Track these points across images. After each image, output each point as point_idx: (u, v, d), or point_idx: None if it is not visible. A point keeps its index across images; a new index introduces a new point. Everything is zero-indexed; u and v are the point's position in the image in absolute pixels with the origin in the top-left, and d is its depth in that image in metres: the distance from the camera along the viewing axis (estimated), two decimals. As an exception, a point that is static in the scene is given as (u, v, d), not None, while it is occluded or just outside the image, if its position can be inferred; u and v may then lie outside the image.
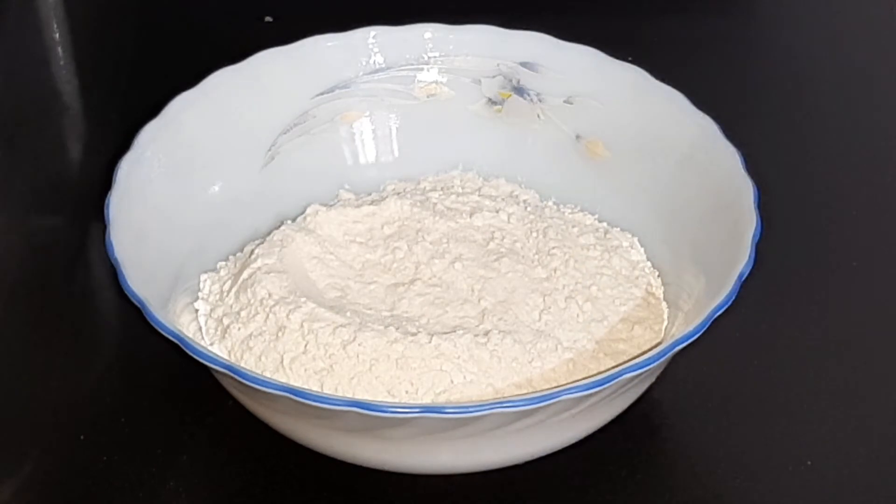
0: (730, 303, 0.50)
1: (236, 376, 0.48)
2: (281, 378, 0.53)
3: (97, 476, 0.54)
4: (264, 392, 0.48)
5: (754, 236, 0.53)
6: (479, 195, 0.63)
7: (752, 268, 0.51)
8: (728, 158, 0.57)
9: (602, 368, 0.54)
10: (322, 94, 0.64)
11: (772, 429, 0.56)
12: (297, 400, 0.47)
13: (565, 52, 0.63)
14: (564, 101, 0.64)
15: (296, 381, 0.53)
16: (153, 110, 0.59)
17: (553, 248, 0.59)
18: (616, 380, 0.48)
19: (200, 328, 0.57)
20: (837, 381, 0.58)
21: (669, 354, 0.49)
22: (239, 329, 0.55)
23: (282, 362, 0.54)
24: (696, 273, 0.56)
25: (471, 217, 0.60)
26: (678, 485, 0.54)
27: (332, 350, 0.53)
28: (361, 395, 0.52)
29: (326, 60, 0.64)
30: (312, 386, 0.53)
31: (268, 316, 0.55)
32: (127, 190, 0.56)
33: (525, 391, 0.53)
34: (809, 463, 0.55)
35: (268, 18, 0.80)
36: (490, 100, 0.65)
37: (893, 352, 0.60)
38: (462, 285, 0.57)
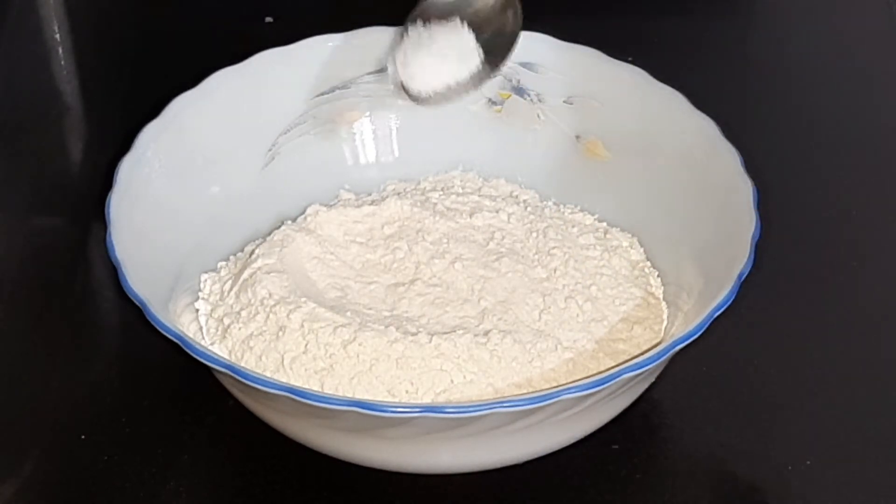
0: (729, 303, 0.50)
1: (237, 376, 0.48)
2: (281, 378, 0.53)
3: (97, 476, 0.54)
4: (265, 392, 0.48)
5: (754, 236, 0.53)
6: (479, 195, 0.63)
7: (752, 268, 0.51)
8: (728, 158, 0.57)
9: (602, 368, 0.54)
10: (322, 94, 0.64)
11: (772, 429, 0.56)
12: (298, 400, 0.47)
13: (565, 52, 0.63)
14: (564, 101, 0.64)
15: (296, 381, 0.53)
16: (153, 110, 0.60)
17: (553, 248, 0.59)
18: (616, 380, 0.48)
19: (201, 328, 0.57)
20: (837, 381, 0.58)
21: (669, 354, 0.49)
22: (239, 329, 0.55)
23: (282, 362, 0.54)
24: (695, 273, 0.56)
25: (471, 217, 0.60)
26: (678, 485, 0.54)
27: (333, 350, 0.53)
28: (361, 395, 0.52)
29: (326, 60, 0.64)
30: (313, 386, 0.53)
31: (268, 316, 0.55)
32: (127, 190, 0.56)
33: (525, 391, 0.53)
34: (809, 463, 0.55)
35: (268, 19, 0.80)
36: (490, 100, 0.65)
37: (893, 352, 0.60)
38: (462, 285, 0.57)
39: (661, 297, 0.58)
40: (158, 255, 0.56)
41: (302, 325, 0.54)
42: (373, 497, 0.54)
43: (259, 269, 0.57)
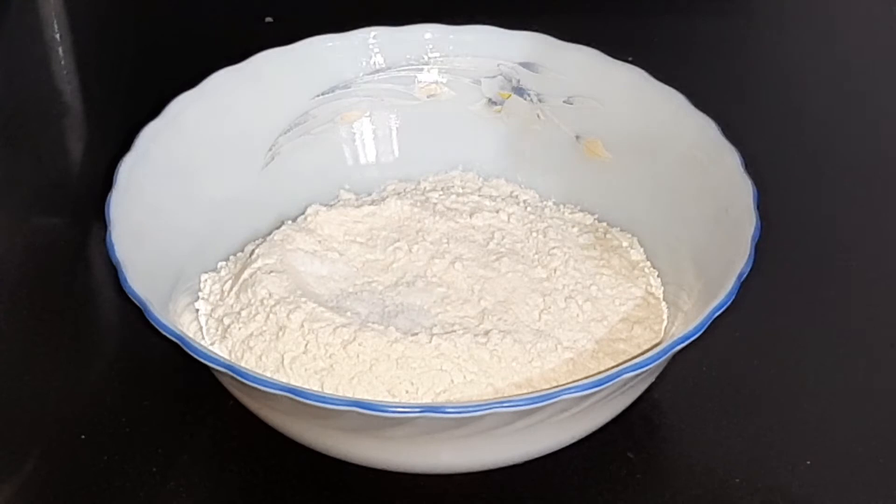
0: (729, 303, 0.50)
1: (237, 376, 0.48)
2: (281, 378, 0.53)
3: (97, 476, 0.54)
4: (265, 392, 0.48)
5: (754, 236, 0.53)
6: (479, 195, 0.63)
7: (752, 268, 0.51)
8: (728, 158, 0.57)
9: (602, 368, 0.54)
10: (322, 94, 0.64)
11: (772, 429, 0.56)
12: (298, 400, 0.47)
13: (565, 52, 0.63)
14: (564, 101, 0.64)
15: (296, 381, 0.53)
16: (153, 110, 0.60)
17: (553, 248, 0.59)
18: (616, 379, 0.48)
19: (201, 328, 0.57)
20: (837, 380, 0.58)
21: (669, 354, 0.49)
22: (239, 329, 0.55)
23: (282, 362, 0.54)
24: (695, 273, 0.56)
25: (471, 217, 0.60)
26: (678, 485, 0.54)
27: (333, 350, 0.53)
28: (362, 395, 0.52)
29: (326, 60, 0.64)
30: (313, 386, 0.53)
31: (268, 316, 0.55)
32: (127, 190, 0.56)
33: (525, 391, 0.53)
34: (809, 463, 0.55)
35: (268, 18, 0.80)
36: (490, 100, 0.65)
37: (893, 351, 0.60)
38: (462, 285, 0.57)
39: (661, 297, 0.58)
40: (158, 255, 0.56)
41: (302, 325, 0.54)
42: (373, 497, 0.54)
43: (259, 269, 0.57)
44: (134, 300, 0.51)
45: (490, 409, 0.47)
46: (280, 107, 0.63)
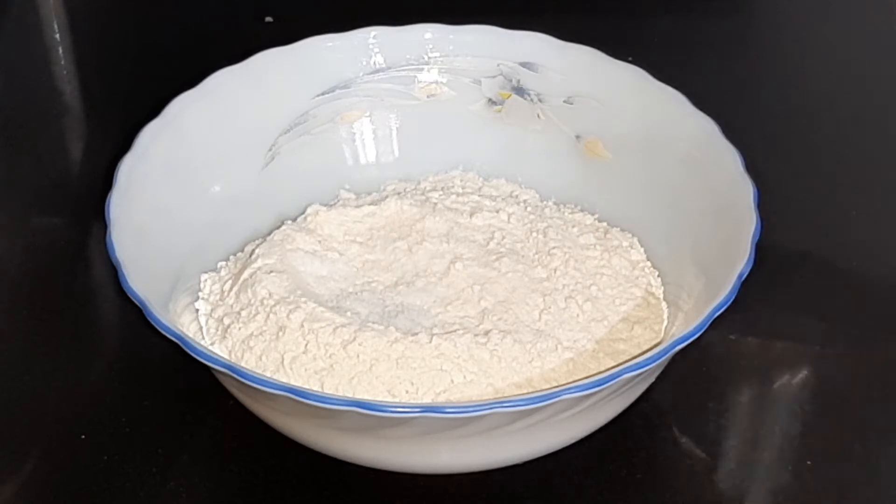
0: (730, 302, 0.50)
1: (237, 376, 0.48)
2: (281, 378, 0.53)
3: (97, 476, 0.54)
4: (265, 392, 0.48)
5: (754, 236, 0.53)
6: (479, 195, 0.63)
7: (752, 268, 0.51)
8: (728, 158, 0.57)
9: (602, 368, 0.54)
10: (322, 94, 0.64)
11: (772, 429, 0.56)
12: (298, 400, 0.47)
13: (565, 52, 0.63)
14: (564, 101, 0.64)
15: (296, 381, 0.53)
16: (153, 110, 0.60)
17: (553, 248, 0.59)
18: (616, 380, 0.48)
19: (201, 328, 0.57)
20: (837, 381, 0.58)
21: (669, 354, 0.49)
22: (239, 329, 0.55)
23: (282, 362, 0.54)
24: (696, 273, 0.56)
25: (471, 217, 0.60)
26: (678, 485, 0.54)
27: (333, 350, 0.53)
28: (362, 395, 0.52)
29: (326, 60, 0.64)
30: (313, 386, 0.53)
31: (268, 316, 0.55)
32: (127, 190, 0.56)
33: (525, 391, 0.53)
34: (809, 463, 0.55)
35: (268, 18, 0.80)
36: (490, 100, 0.65)
37: (893, 351, 0.60)
38: (462, 285, 0.57)
39: (661, 297, 0.58)
40: (158, 255, 0.56)
41: (302, 325, 0.54)
42: (373, 497, 0.54)
43: (259, 269, 0.57)
44: (134, 300, 0.51)
45: (490, 409, 0.47)
46: (280, 107, 0.63)
